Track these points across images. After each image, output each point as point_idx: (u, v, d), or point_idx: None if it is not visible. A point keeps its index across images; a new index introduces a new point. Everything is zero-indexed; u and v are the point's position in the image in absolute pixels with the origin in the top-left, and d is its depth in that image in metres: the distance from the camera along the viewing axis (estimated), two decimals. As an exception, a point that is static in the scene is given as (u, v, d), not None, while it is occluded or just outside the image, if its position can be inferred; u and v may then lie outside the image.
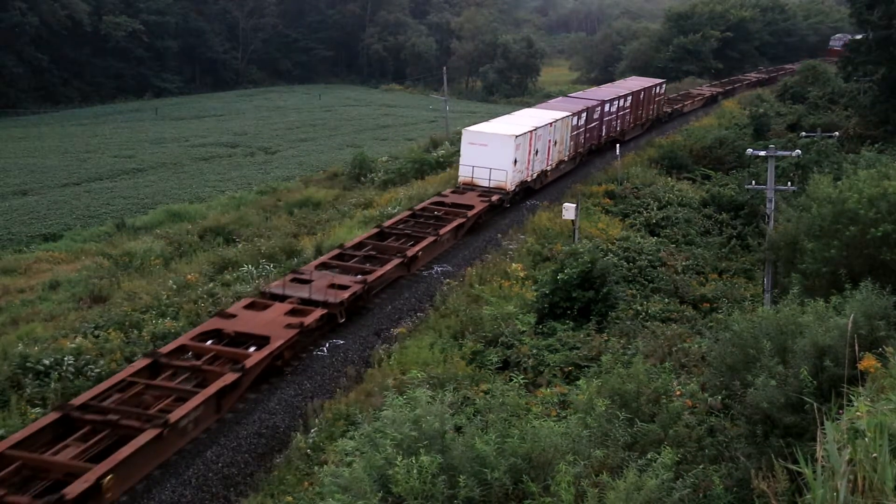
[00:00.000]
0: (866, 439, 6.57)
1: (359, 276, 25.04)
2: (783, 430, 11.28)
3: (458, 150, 39.40)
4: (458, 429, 11.49)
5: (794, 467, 7.08)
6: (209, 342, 20.21)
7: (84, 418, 15.87)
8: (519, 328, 23.36)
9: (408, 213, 32.44)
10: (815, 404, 9.10)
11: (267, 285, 24.32)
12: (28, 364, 20.51)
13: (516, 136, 35.45)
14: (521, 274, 28.38)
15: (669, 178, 43.16)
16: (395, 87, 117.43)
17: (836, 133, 42.23)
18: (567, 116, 41.61)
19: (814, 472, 6.38)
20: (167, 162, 58.27)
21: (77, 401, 16.47)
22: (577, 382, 17.20)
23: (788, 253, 22.36)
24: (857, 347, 9.74)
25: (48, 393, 19.61)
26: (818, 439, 6.76)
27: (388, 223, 30.96)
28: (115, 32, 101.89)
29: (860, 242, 18.66)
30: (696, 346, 19.95)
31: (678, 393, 14.07)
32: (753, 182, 30.89)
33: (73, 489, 13.56)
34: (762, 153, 29.73)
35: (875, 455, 6.31)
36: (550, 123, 39.30)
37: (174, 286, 26.96)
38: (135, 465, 15.25)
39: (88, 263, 31.52)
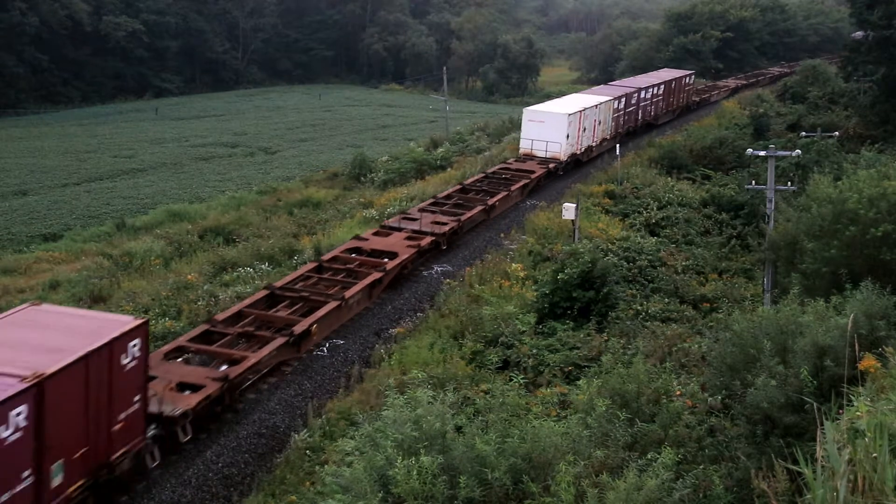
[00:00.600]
0: (866, 439, 6.57)
1: (453, 217, 32.24)
2: (783, 430, 11.28)
3: (460, 150, 48.74)
4: (458, 429, 11.49)
5: (794, 467, 7.08)
6: (353, 255, 27.63)
7: (285, 294, 23.76)
8: (519, 328, 23.36)
9: (482, 175, 39.63)
10: (815, 404, 9.10)
11: (385, 220, 31.99)
12: None
13: (569, 115, 42.36)
14: (521, 274, 28.38)
15: (669, 178, 43.16)
16: (395, 87, 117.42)
17: (836, 133, 42.22)
18: (610, 100, 47.92)
19: (814, 472, 6.39)
20: (167, 162, 58.27)
21: (277, 283, 24.19)
22: (578, 382, 17.22)
23: (788, 253, 22.35)
24: (857, 347, 9.74)
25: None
26: (818, 439, 6.76)
27: (467, 181, 38.38)
28: (115, 32, 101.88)
29: (860, 242, 18.65)
30: (696, 346, 19.95)
31: (678, 393, 14.07)
32: (753, 182, 30.88)
33: (297, 329, 21.22)
34: (762, 153, 29.72)
35: (875, 455, 6.31)
36: (596, 106, 45.84)
37: (175, 286, 26.98)
38: (326, 323, 22.67)
39: (88, 263, 31.51)
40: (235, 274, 28.52)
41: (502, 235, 33.47)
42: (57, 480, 13.12)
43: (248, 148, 64.66)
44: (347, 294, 23.79)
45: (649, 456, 10.66)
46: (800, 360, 11.69)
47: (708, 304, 26.26)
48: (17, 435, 11.92)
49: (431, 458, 10.04)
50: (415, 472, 9.86)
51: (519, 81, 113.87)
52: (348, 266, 26.48)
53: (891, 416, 7.12)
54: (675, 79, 61.86)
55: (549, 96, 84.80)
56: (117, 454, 14.80)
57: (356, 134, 72.07)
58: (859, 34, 52.25)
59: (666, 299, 26.59)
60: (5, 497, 11.88)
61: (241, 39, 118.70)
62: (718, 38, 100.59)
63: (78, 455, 13.63)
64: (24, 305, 15.41)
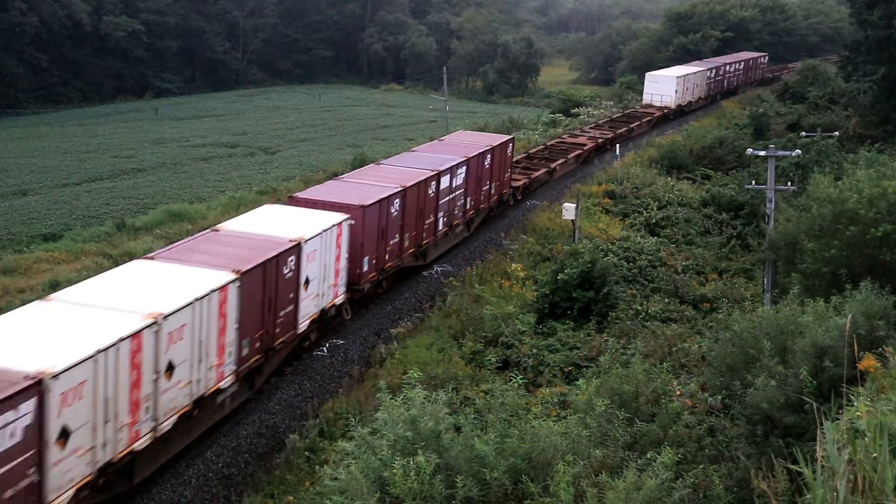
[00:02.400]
0: (866, 439, 6.56)
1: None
2: (783, 430, 11.28)
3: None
4: (457, 429, 11.47)
5: (794, 467, 7.08)
6: None
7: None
8: (519, 328, 23.36)
9: (542, 146, 46.36)
10: (815, 404, 9.09)
11: None
12: None
13: (677, 77, 61.51)
14: (521, 274, 28.38)
15: (669, 178, 43.15)
16: (395, 87, 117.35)
17: (836, 133, 42.19)
18: (704, 70, 67.44)
19: (814, 472, 6.38)
20: (167, 162, 58.25)
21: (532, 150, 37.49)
22: (577, 382, 17.20)
23: (788, 253, 22.35)
24: (856, 347, 9.74)
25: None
26: (818, 439, 6.75)
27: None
28: (115, 32, 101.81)
29: (860, 242, 18.65)
30: (696, 346, 19.95)
31: (678, 393, 14.06)
32: (753, 182, 30.87)
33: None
34: (762, 153, 29.70)
35: (875, 455, 6.30)
36: (695, 73, 65.27)
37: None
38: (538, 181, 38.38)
39: (88, 263, 31.49)
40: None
41: (502, 235, 33.46)
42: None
43: (248, 148, 64.63)
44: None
45: (649, 456, 10.65)
46: (799, 361, 11.70)
47: (708, 304, 26.25)
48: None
49: (427, 458, 10.02)
50: (412, 473, 9.85)
51: (519, 81, 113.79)
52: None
53: (891, 416, 7.11)
54: (753, 58, 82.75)
55: (549, 96, 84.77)
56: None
57: (356, 134, 72.04)
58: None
59: (666, 299, 26.59)
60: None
61: (241, 39, 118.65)
62: (718, 38, 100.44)
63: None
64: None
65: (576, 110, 64.44)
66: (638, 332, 22.43)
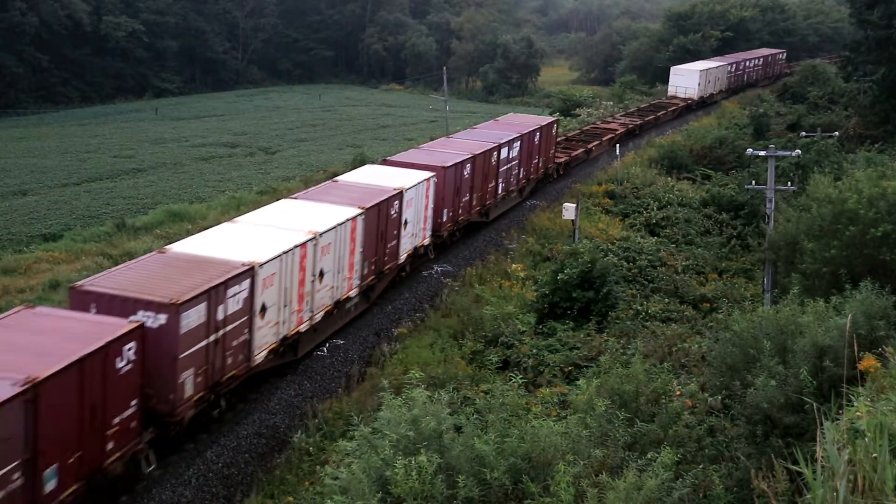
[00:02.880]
0: (866, 439, 6.56)
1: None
2: (783, 430, 11.28)
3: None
4: (458, 429, 11.48)
5: (794, 467, 7.08)
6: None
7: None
8: (519, 328, 23.36)
9: (578, 130, 51.92)
10: (815, 404, 9.09)
11: None
12: None
13: (700, 71, 66.42)
14: (521, 274, 28.38)
15: (669, 178, 43.16)
16: (395, 87, 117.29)
17: (836, 133, 42.19)
18: (725, 65, 72.82)
19: (813, 472, 6.38)
20: (167, 162, 58.21)
21: (570, 134, 42.08)
22: (577, 382, 17.20)
23: (788, 253, 22.35)
24: (856, 347, 9.74)
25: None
26: (818, 439, 6.75)
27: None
28: (115, 32, 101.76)
29: (860, 242, 18.65)
30: (696, 346, 19.94)
31: (678, 393, 14.06)
32: (753, 182, 30.87)
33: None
34: (762, 153, 29.69)
35: (875, 455, 6.30)
36: (717, 67, 70.60)
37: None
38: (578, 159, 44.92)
39: (88, 263, 31.47)
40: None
41: (503, 235, 33.47)
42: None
43: (248, 148, 64.59)
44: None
45: (649, 456, 10.66)
46: (799, 361, 11.69)
47: (708, 304, 26.25)
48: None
49: (429, 457, 10.03)
50: (413, 473, 9.85)
51: (519, 81, 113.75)
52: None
53: (891, 416, 7.12)
54: (771, 55, 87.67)
55: (549, 96, 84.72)
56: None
57: (356, 134, 72.02)
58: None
59: (666, 299, 26.59)
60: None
61: (241, 39, 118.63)
62: (718, 38, 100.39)
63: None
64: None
65: (576, 110, 64.60)
66: (638, 332, 22.43)
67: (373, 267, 24.61)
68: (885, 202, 18.86)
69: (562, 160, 43.10)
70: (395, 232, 25.94)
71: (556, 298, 24.53)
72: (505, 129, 36.76)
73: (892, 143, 43.50)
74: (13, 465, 12.51)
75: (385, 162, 30.27)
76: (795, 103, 63.82)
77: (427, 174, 28.01)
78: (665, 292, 27.38)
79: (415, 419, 10.90)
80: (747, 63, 79.12)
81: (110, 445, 14.74)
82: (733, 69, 74.28)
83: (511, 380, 18.72)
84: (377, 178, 26.91)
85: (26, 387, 12.57)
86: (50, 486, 13.28)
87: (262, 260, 18.67)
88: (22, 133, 73.10)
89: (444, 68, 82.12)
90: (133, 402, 15.21)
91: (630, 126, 54.02)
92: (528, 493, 10.17)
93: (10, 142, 67.34)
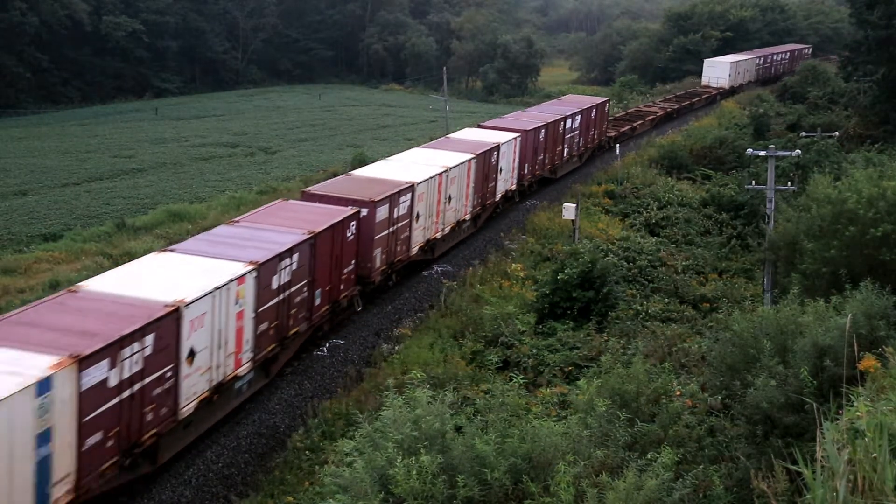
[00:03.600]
0: (866, 439, 6.56)
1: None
2: (783, 430, 11.28)
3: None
4: (458, 429, 11.48)
5: (793, 467, 7.08)
6: None
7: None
8: (519, 328, 23.36)
9: (623, 112, 58.92)
10: (814, 404, 9.09)
11: None
12: None
13: (731, 63, 75.82)
14: (521, 274, 28.39)
15: (669, 178, 43.16)
16: (395, 87, 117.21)
17: (836, 133, 42.19)
18: (754, 58, 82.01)
19: (813, 472, 6.38)
20: (167, 162, 58.19)
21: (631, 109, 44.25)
22: (577, 382, 17.20)
23: (788, 253, 22.35)
24: (856, 347, 9.74)
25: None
26: (818, 439, 6.76)
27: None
28: (115, 32, 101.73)
29: (860, 242, 18.65)
30: (696, 346, 19.95)
31: (678, 393, 14.06)
32: (753, 182, 30.87)
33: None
34: (762, 153, 29.70)
35: (875, 455, 6.31)
36: (746, 60, 79.68)
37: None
38: (625, 134, 53.16)
39: (88, 263, 31.47)
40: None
41: (502, 235, 33.48)
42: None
43: (248, 148, 64.56)
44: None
45: (649, 456, 10.66)
46: (799, 361, 11.69)
47: (708, 304, 26.25)
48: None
49: (431, 457, 10.03)
50: (415, 472, 9.85)
51: (519, 81, 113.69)
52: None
53: (891, 416, 7.12)
54: (798, 49, 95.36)
55: (549, 96, 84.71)
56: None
57: (356, 134, 71.99)
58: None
59: (666, 299, 26.59)
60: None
61: (241, 39, 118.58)
62: (718, 38, 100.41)
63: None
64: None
65: None
66: (638, 332, 22.43)
67: (479, 200, 32.75)
68: (884, 202, 18.85)
69: (612, 134, 51.54)
70: (494, 176, 33.98)
71: (557, 298, 24.53)
72: (568, 106, 45.76)
73: (892, 143, 43.47)
74: (304, 282, 20.72)
75: (480, 126, 39.00)
76: (795, 103, 63.80)
77: (515, 134, 36.22)
78: (665, 292, 27.38)
79: (417, 419, 10.91)
80: (775, 57, 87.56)
81: (342, 287, 22.97)
82: (761, 62, 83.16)
83: (511, 380, 18.74)
84: (479, 135, 35.80)
85: (310, 235, 20.72)
86: (317, 301, 21.61)
87: (419, 180, 27.02)
88: (22, 133, 73.08)
89: (444, 68, 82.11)
90: (352, 262, 23.39)
91: (668, 110, 61.91)
92: (529, 493, 10.18)
93: (10, 142, 67.33)
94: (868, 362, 9.77)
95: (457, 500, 9.94)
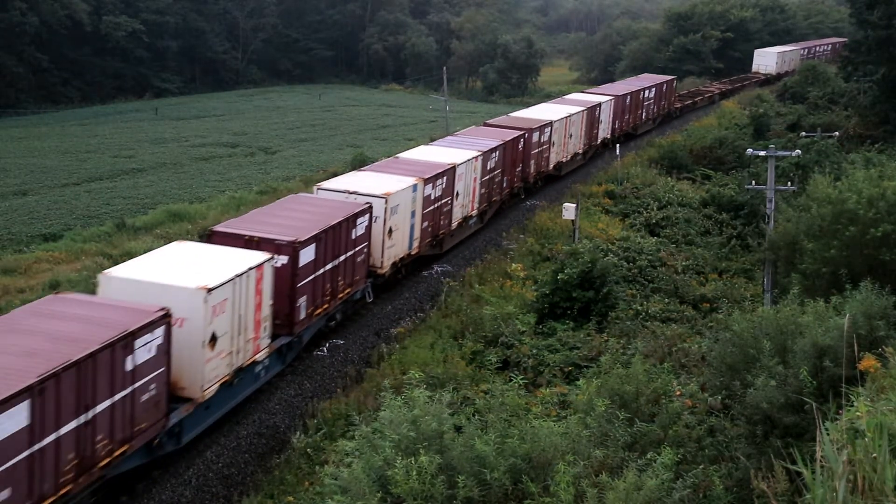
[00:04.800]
0: (866, 439, 6.56)
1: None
2: (783, 430, 11.28)
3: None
4: (458, 429, 11.47)
5: (793, 467, 7.08)
6: None
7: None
8: (519, 328, 23.35)
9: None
10: (814, 404, 9.09)
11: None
12: None
13: (778, 53, 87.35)
14: (521, 274, 28.38)
15: (669, 178, 43.15)
16: (395, 87, 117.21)
17: (836, 133, 42.17)
18: (798, 49, 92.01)
19: (813, 472, 6.38)
20: (167, 162, 58.19)
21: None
22: (577, 382, 17.20)
23: (788, 253, 22.35)
24: (856, 347, 9.74)
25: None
26: (818, 439, 6.75)
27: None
28: (115, 32, 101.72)
29: (860, 242, 18.66)
30: (696, 346, 19.94)
31: (678, 393, 14.06)
32: (753, 182, 30.87)
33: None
34: (762, 153, 29.69)
35: (875, 455, 6.30)
36: (791, 51, 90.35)
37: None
38: (687, 107, 67.58)
39: (88, 263, 31.45)
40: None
41: (503, 235, 33.47)
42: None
43: (248, 148, 64.56)
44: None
45: (649, 456, 10.65)
46: (799, 361, 11.69)
47: (708, 305, 26.24)
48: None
49: (430, 457, 10.02)
50: (414, 473, 9.85)
51: (519, 81, 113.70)
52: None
53: (891, 416, 7.12)
54: (840, 42, 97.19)
55: (549, 96, 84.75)
56: None
57: (356, 134, 71.99)
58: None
59: (666, 299, 26.58)
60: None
61: (241, 39, 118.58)
62: (718, 38, 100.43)
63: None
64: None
65: None
66: (638, 332, 22.42)
67: (587, 141, 45.34)
68: (884, 202, 18.86)
69: (678, 106, 65.04)
70: (597, 125, 47.39)
71: (556, 298, 24.52)
72: (646, 81, 59.78)
73: (892, 143, 43.48)
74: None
75: (584, 91, 54.30)
76: (795, 103, 63.78)
77: (611, 97, 49.56)
78: (665, 292, 27.37)
79: (415, 419, 10.90)
80: (817, 48, 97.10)
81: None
82: (805, 53, 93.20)
83: (511, 380, 18.73)
84: (586, 97, 50.34)
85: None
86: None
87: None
88: (22, 133, 73.08)
89: (444, 68, 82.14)
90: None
91: (723, 90, 75.06)
92: (528, 494, 10.17)
93: (10, 142, 67.33)
94: (868, 362, 9.77)
95: (456, 501, 9.94)
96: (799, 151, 33.19)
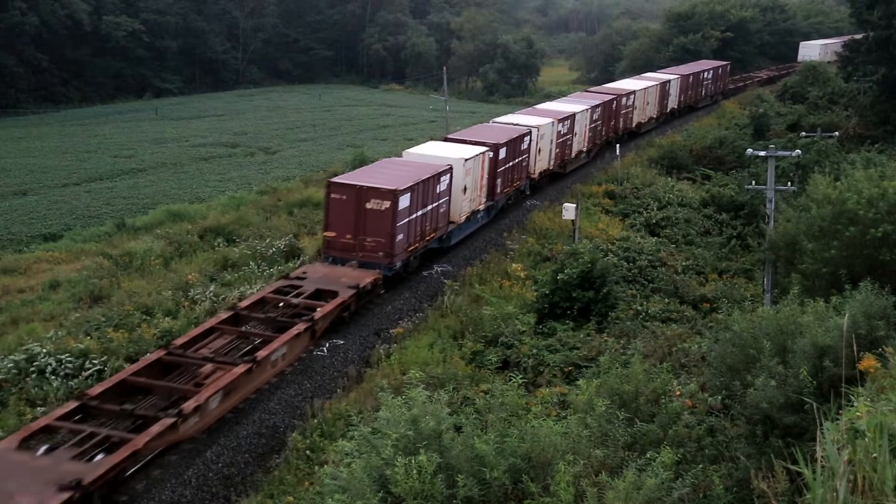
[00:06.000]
0: (866, 439, 6.56)
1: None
2: (783, 430, 11.27)
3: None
4: (457, 429, 11.47)
5: (793, 467, 7.08)
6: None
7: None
8: (519, 328, 23.35)
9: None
10: (814, 404, 9.09)
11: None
12: (34, 364, 20.53)
13: (820, 45, 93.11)
14: (521, 274, 28.38)
15: (669, 178, 43.15)
16: (395, 87, 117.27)
17: (836, 133, 42.18)
18: (839, 42, 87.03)
19: (813, 472, 6.38)
20: (167, 162, 58.20)
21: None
22: (577, 382, 17.17)
23: (788, 253, 22.35)
24: (856, 347, 9.74)
25: (49, 392, 19.62)
26: (818, 439, 6.75)
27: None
28: (115, 32, 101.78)
29: (860, 243, 18.66)
30: (696, 346, 19.94)
31: (678, 393, 14.05)
32: (753, 182, 30.87)
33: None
34: (762, 153, 29.69)
35: (875, 455, 6.31)
36: (834, 42, 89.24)
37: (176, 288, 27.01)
38: (738, 90, 79.16)
39: (88, 263, 31.46)
40: (238, 274, 28.57)
41: (505, 235, 33.48)
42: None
43: (248, 148, 64.57)
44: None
45: (648, 456, 10.65)
46: (799, 361, 11.68)
47: (708, 305, 26.24)
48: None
49: (429, 457, 10.02)
50: (414, 472, 9.85)
51: (519, 81, 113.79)
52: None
53: (891, 416, 7.11)
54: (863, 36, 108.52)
55: (549, 96, 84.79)
56: None
57: (356, 134, 72.01)
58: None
59: (666, 299, 26.59)
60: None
61: (241, 39, 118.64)
62: (718, 38, 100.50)
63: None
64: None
65: None
66: (638, 332, 22.42)
67: (660, 110, 58.35)
68: (884, 202, 18.86)
69: (731, 87, 75.89)
70: (666, 98, 59.67)
71: (556, 298, 24.52)
72: (704, 66, 71.34)
73: (892, 143, 43.49)
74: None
75: (657, 71, 67.33)
76: (795, 103, 63.78)
77: (677, 76, 61.80)
78: (665, 292, 27.38)
79: (414, 419, 10.90)
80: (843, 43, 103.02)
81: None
82: (836, 48, 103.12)
83: (511, 380, 18.71)
84: (657, 75, 61.44)
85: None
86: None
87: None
88: (22, 133, 73.11)
89: (444, 68, 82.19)
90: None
91: (770, 76, 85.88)
92: (528, 493, 10.17)
93: (10, 142, 67.36)
94: (868, 362, 9.77)
95: (456, 500, 9.94)
96: (799, 151, 33.19)
